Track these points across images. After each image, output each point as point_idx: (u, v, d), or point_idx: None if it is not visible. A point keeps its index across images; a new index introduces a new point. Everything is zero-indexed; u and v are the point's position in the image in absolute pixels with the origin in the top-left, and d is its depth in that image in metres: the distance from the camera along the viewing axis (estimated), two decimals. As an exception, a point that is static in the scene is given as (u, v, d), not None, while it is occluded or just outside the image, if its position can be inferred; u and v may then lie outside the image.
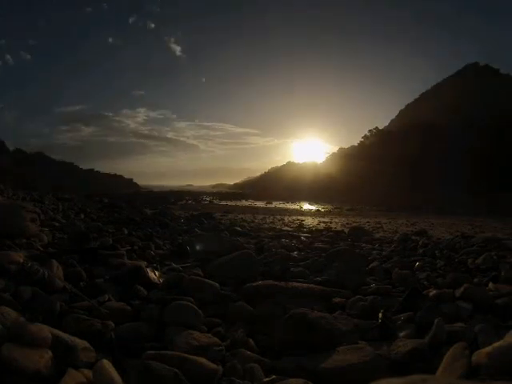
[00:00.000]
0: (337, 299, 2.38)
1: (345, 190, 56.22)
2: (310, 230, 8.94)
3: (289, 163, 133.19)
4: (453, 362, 1.48)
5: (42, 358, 1.24)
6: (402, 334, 1.80)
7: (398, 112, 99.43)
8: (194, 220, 9.61)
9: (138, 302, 1.98)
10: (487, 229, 11.15)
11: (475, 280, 3.09)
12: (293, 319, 1.76)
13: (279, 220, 13.92)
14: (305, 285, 2.58)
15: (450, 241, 6.69)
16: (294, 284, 2.53)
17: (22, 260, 1.95)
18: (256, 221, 12.62)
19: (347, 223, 13.18)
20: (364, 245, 5.96)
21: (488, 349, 1.50)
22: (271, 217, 15.87)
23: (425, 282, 2.98)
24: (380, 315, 1.88)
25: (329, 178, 72.69)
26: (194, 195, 49.44)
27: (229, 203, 34.62)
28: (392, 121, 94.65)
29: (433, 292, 2.31)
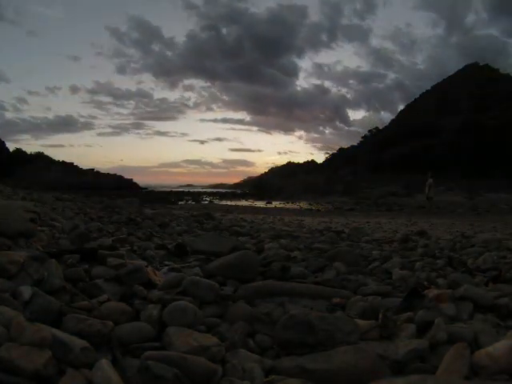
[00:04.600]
0: (337, 299, 2.38)
1: (344, 190, 56.20)
2: (310, 230, 8.94)
3: (289, 163, 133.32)
4: (453, 362, 1.48)
5: (41, 358, 1.24)
6: (402, 334, 1.80)
7: (398, 112, 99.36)
8: (194, 220, 9.61)
9: (137, 301, 1.98)
10: (487, 229, 11.15)
11: (475, 280, 3.09)
12: (293, 319, 1.76)
13: (279, 220, 13.92)
14: (305, 285, 2.58)
15: (450, 241, 6.69)
16: (294, 284, 2.53)
17: (21, 260, 1.95)
18: (256, 221, 12.61)
19: (347, 223, 13.18)
20: (364, 245, 5.96)
21: (488, 349, 1.51)
22: (271, 217, 15.88)
23: (425, 282, 2.98)
24: (380, 315, 1.88)
25: (329, 178, 72.70)
26: (194, 195, 49.45)
27: (229, 203, 34.63)
28: (392, 121, 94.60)
29: (433, 292, 2.30)
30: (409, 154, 65.97)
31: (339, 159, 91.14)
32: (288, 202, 39.40)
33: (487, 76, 77.77)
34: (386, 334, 1.81)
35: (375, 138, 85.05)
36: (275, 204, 35.11)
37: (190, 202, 36.02)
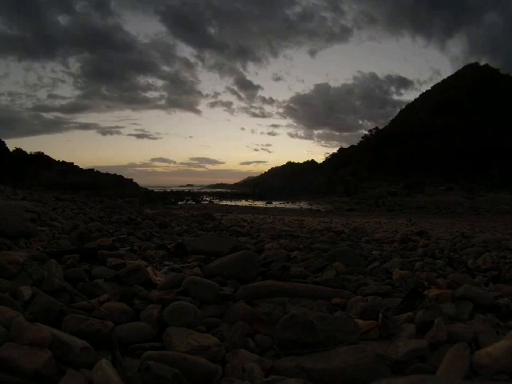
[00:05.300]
0: (337, 299, 2.38)
1: (344, 190, 56.22)
2: (310, 230, 8.94)
3: (289, 163, 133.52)
4: (453, 362, 1.47)
5: (41, 358, 1.24)
6: (402, 334, 1.80)
7: (398, 112, 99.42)
8: (194, 220, 9.61)
9: (137, 301, 1.98)
10: (487, 229, 11.15)
11: (475, 280, 3.09)
12: (293, 319, 1.76)
13: (279, 220, 13.93)
14: (305, 285, 2.58)
15: (450, 241, 6.70)
16: (294, 284, 2.53)
17: (21, 260, 1.95)
18: (256, 221, 12.61)
19: (347, 223, 13.19)
20: (364, 245, 5.96)
21: (488, 349, 1.50)
22: (271, 217, 15.89)
23: (425, 282, 2.98)
24: (380, 315, 1.88)
25: (329, 178, 72.74)
26: (194, 195, 49.50)
27: (229, 203, 34.66)
28: (392, 121, 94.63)
29: (433, 292, 2.30)
30: (409, 154, 65.92)
31: (339, 159, 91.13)
32: (288, 202, 39.41)
33: (487, 76, 77.75)
34: (385, 333, 1.81)
35: (375, 138, 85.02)
36: (275, 204, 35.15)
37: (189, 201, 36.03)
